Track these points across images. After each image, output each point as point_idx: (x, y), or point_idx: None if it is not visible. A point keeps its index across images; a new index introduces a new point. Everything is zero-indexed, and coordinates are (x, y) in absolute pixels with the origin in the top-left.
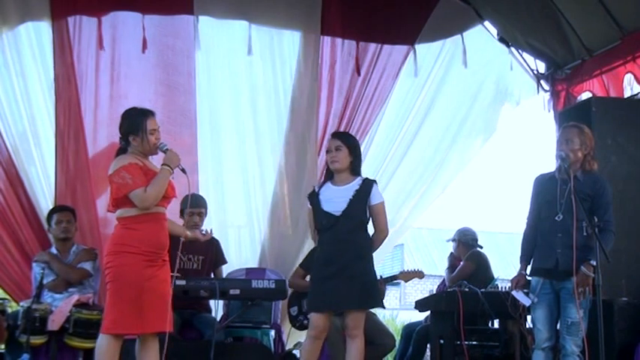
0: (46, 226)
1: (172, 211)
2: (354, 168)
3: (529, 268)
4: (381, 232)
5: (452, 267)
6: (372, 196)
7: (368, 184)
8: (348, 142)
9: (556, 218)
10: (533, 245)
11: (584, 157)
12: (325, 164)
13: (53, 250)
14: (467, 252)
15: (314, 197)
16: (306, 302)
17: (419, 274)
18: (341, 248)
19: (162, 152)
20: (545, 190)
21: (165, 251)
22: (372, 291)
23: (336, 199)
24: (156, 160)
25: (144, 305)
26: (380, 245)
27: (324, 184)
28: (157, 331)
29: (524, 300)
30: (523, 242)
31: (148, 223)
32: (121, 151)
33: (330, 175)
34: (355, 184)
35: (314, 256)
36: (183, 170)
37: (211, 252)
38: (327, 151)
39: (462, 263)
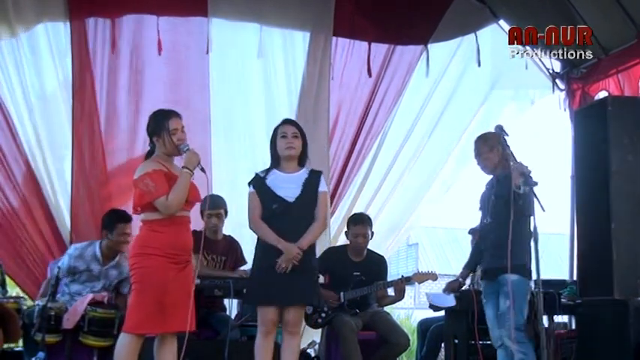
0: (66, 225)
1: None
2: (302, 158)
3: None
4: (321, 221)
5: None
6: (320, 185)
7: (316, 174)
8: (302, 132)
9: (484, 221)
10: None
11: (502, 156)
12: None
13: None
14: None
15: (260, 182)
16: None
17: (432, 276)
18: (294, 239)
19: (184, 153)
20: (481, 196)
21: (188, 253)
22: (317, 288)
23: (287, 185)
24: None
25: (167, 305)
26: (318, 236)
27: (269, 171)
28: (177, 330)
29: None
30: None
31: (171, 226)
32: (149, 153)
33: (275, 163)
34: (304, 173)
35: (328, 254)
36: (202, 169)
37: (232, 253)
38: (282, 137)
39: None
